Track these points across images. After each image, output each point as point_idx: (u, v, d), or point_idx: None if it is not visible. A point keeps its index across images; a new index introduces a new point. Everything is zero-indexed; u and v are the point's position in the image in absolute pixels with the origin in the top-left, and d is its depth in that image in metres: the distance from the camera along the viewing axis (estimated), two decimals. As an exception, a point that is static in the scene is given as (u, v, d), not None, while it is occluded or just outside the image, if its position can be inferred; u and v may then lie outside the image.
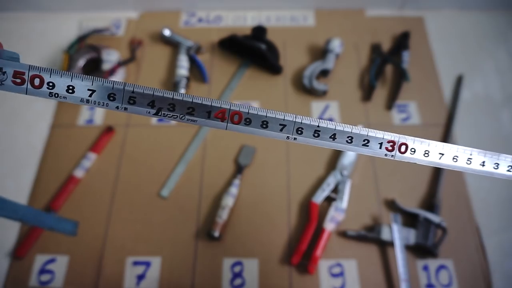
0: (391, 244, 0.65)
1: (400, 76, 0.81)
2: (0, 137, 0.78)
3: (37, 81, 0.29)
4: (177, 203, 0.70)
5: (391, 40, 0.88)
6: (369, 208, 0.69)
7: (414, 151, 0.32)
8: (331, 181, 0.70)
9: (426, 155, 0.32)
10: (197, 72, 0.84)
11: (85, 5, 0.94)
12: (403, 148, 0.32)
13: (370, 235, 0.65)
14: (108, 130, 0.77)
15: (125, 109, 0.30)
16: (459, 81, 0.83)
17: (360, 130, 0.32)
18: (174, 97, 0.30)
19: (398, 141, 0.32)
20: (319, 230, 0.66)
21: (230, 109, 0.30)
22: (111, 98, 0.29)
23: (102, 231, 0.68)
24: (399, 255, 0.62)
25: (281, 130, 0.31)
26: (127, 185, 0.72)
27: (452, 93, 0.82)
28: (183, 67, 0.82)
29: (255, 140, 0.75)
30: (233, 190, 0.69)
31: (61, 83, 0.29)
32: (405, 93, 0.80)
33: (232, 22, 0.93)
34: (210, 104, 0.30)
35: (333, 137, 0.31)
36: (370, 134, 0.32)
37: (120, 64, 0.82)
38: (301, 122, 0.31)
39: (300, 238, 0.65)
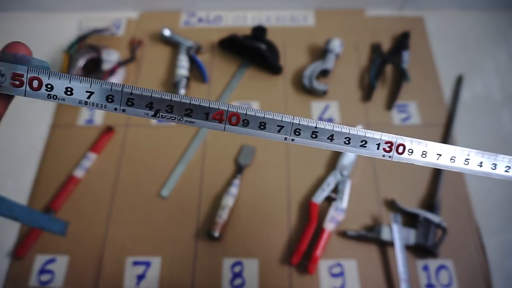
0: (391, 244, 0.65)
1: (400, 76, 0.81)
2: (0, 137, 0.78)
3: (35, 83, 0.29)
4: (177, 203, 0.71)
5: (391, 40, 0.88)
6: (369, 208, 0.69)
7: (412, 152, 0.32)
8: (331, 181, 0.70)
9: (423, 155, 0.32)
10: (197, 72, 0.84)
11: (85, 5, 0.94)
12: (400, 149, 0.32)
13: (370, 235, 0.65)
14: (108, 130, 0.77)
15: (123, 110, 0.30)
16: (459, 81, 0.83)
17: (357, 131, 0.32)
18: (172, 98, 0.30)
19: (396, 142, 0.32)
20: (319, 230, 0.66)
21: (228, 110, 0.30)
22: (110, 100, 0.29)
23: (102, 231, 0.68)
24: (399, 255, 0.62)
25: (278, 131, 0.31)
26: (127, 185, 0.72)
27: (452, 93, 0.82)
28: (183, 67, 0.82)
29: (255, 140, 0.75)
30: (233, 190, 0.69)
31: (59, 85, 0.29)
32: (405, 93, 0.80)
33: (232, 22, 0.93)
34: (208, 105, 0.30)
35: (331, 138, 0.31)
36: (367, 135, 0.32)
37: (120, 64, 0.82)
38: (299, 123, 0.31)
39: (300, 238, 0.65)
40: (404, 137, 0.32)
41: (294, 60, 0.86)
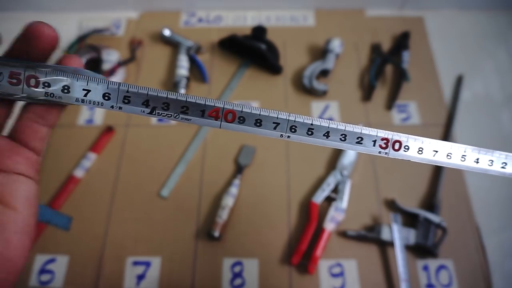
0: (391, 244, 0.65)
1: (400, 76, 0.81)
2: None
3: (32, 82, 0.29)
4: (177, 203, 0.71)
5: (391, 40, 0.88)
6: (369, 208, 0.69)
7: (408, 149, 0.32)
8: (331, 181, 0.70)
9: (420, 152, 0.32)
10: (197, 72, 0.84)
11: (85, 5, 0.94)
12: (397, 146, 0.32)
13: (370, 235, 0.65)
14: (108, 130, 0.77)
15: (120, 108, 0.30)
16: (459, 81, 0.83)
17: (353, 128, 0.32)
18: (168, 96, 0.30)
19: (392, 139, 0.32)
20: (319, 230, 0.65)
21: (223, 107, 0.31)
22: (106, 98, 0.30)
23: (102, 231, 0.68)
24: (399, 255, 0.62)
25: (274, 128, 0.31)
26: (127, 185, 0.72)
27: (452, 93, 0.81)
28: (183, 67, 0.82)
29: (255, 140, 0.75)
30: (233, 190, 0.69)
31: (56, 83, 0.29)
32: (405, 93, 0.80)
33: (232, 22, 0.93)
34: (204, 103, 0.30)
35: (327, 135, 0.32)
36: (363, 131, 0.32)
37: (120, 64, 0.82)
38: (295, 120, 0.31)
39: (300, 238, 0.65)
40: (400, 134, 0.32)
41: (294, 60, 0.86)
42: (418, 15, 0.92)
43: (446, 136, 0.75)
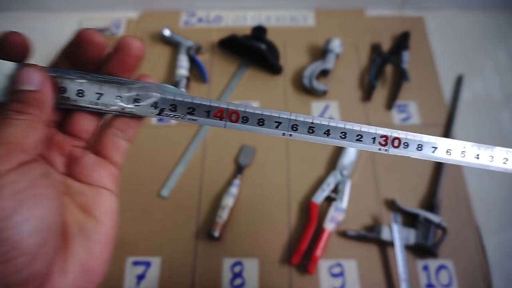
0: (391, 244, 0.65)
1: (400, 76, 0.81)
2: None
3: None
4: (177, 203, 0.70)
5: (391, 40, 0.88)
6: (369, 208, 0.69)
7: (407, 145, 0.33)
8: (331, 181, 0.70)
9: (419, 148, 0.33)
10: (197, 72, 0.84)
11: (85, 5, 0.94)
12: (396, 143, 0.32)
13: (370, 235, 0.65)
14: (108, 130, 0.77)
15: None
16: (459, 81, 0.83)
17: (353, 125, 0.32)
18: (175, 98, 0.32)
19: (391, 136, 0.32)
20: (319, 230, 0.65)
21: (228, 108, 0.32)
22: (118, 100, 0.32)
23: (102, 231, 0.68)
24: (399, 255, 0.62)
25: (276, 127, 0.32)
26: (127, 184, 0.72)
27: (452, 93, 0.82)
28: (183, 67, 0.82)
29: (255, 140, 0.75)
30: (233, 190, 0.69)
31: (73, 87, 0.31)
32: (405, 93, 0.80)
33: (232, 22, 0.93)
34: (209, 104, 0.32)
35: (327, 133, 0.32)
36: (363, 129, 0.32)
37: (120, 64, 0.82)
38: (296, 119, 0.32)
39: (300, 238, 0.65)
40: (399, 131, 0.33)
41: (294, 60, 0.86)
42: (418, 15, 0.92)
43: (446, 136, 0.75)
